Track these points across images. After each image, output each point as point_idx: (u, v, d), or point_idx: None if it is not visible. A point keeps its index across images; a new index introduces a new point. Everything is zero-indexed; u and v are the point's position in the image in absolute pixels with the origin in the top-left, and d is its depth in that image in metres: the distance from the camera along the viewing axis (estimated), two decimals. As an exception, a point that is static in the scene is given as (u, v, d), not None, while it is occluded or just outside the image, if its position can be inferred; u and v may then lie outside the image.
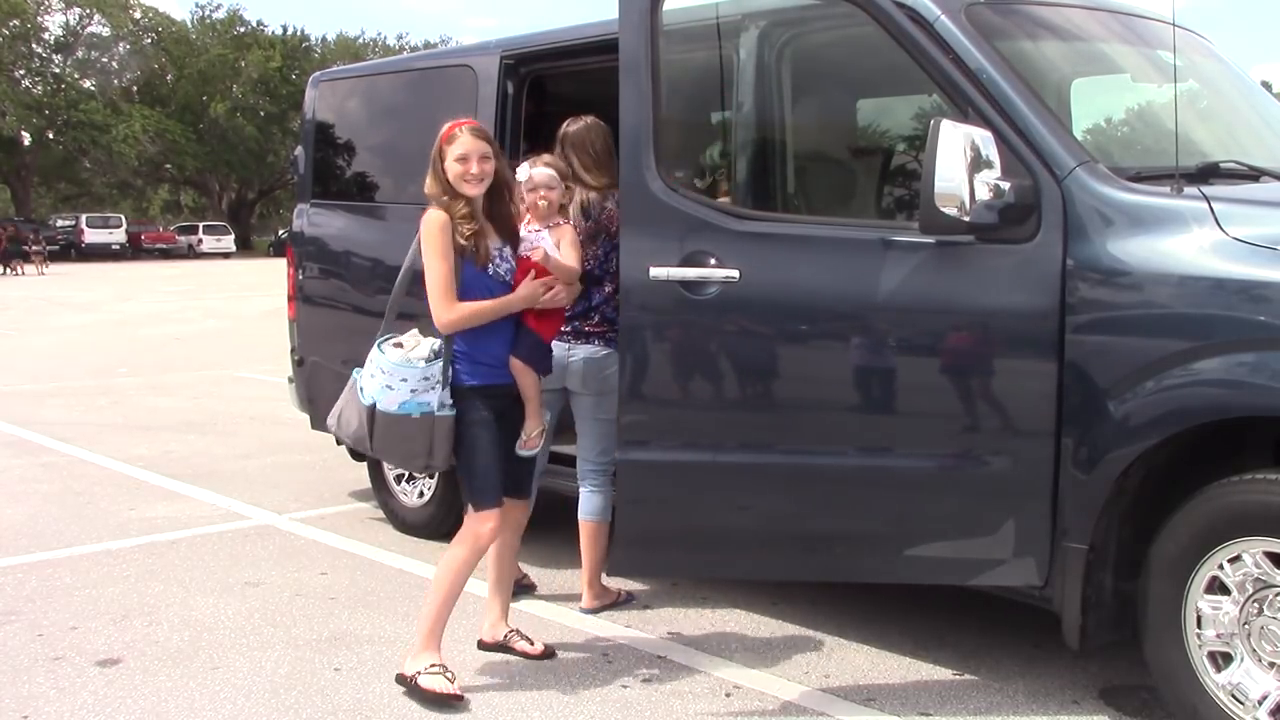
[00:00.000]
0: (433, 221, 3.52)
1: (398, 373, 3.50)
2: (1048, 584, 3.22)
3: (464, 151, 3.52)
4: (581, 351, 4.21)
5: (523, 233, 3.80)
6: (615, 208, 4.16)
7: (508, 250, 3.66)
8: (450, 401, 3.53)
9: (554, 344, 3.95)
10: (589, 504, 4.32)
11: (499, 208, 3.67)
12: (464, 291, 3.53)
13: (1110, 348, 3.09)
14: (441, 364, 3.52)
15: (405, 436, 3.51)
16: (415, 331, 3.64)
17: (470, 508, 3.64)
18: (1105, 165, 3.21)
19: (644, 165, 3.53)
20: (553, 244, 3.79)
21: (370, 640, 4.04)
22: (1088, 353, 3.10)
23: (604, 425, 4.22)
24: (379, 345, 3.61)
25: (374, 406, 3.53)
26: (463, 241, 3.51)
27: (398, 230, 5.24)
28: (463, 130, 3.56)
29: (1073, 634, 3.19)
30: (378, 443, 3.58)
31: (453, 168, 3.52)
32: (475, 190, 3.54)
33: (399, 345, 3.58)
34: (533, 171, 3.90)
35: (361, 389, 3.59)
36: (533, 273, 3.63)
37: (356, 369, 3.67)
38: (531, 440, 3.72)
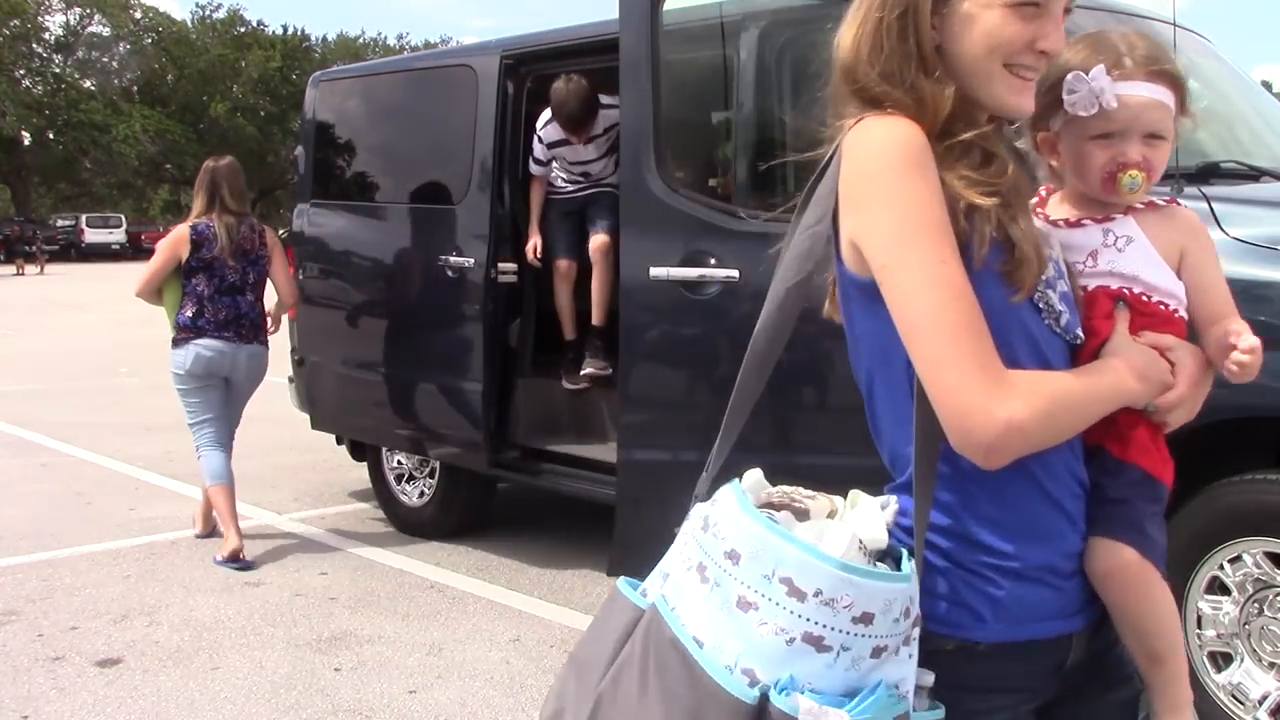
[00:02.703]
0: (900, 139, 1.25)
1: (849, 594, 1.12)
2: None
3: None
4: (247, 350, 5.12)
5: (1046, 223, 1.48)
6: (250, 231, 5.13)
7: (1060, 259, 1.39)
8: (930, 681, 1.25)
9: (222, 343, 5.04)
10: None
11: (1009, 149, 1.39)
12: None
13: (1110, 348, 3.08)
14: (914, 567, 1.23)
15: None
16: (859, 493, 1.38)
17: None
18: (1105, 165, 3.20)
19: (644, 166, 3.53)
20: (1162, 260, 1.45)
21: (370, 640, 4.03)
22: (1087, 353, 3.10)
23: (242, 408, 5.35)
24: (742, 500, 1.23)
25: (765, 701, 1.11)
26: (983, 224, 1.25)
27: (398, 230, 5.26)
28: None
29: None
30: None
31: (990, 23, 1.26)
32: (1029, 101, 1.32)
33: (783, 507, 1.31)
34: (1135, 88, 1.41)
35: (697, 644, 1.16)
36: (1123, 321, 1.41)
37: (645, 588, 1.34)
38: None
